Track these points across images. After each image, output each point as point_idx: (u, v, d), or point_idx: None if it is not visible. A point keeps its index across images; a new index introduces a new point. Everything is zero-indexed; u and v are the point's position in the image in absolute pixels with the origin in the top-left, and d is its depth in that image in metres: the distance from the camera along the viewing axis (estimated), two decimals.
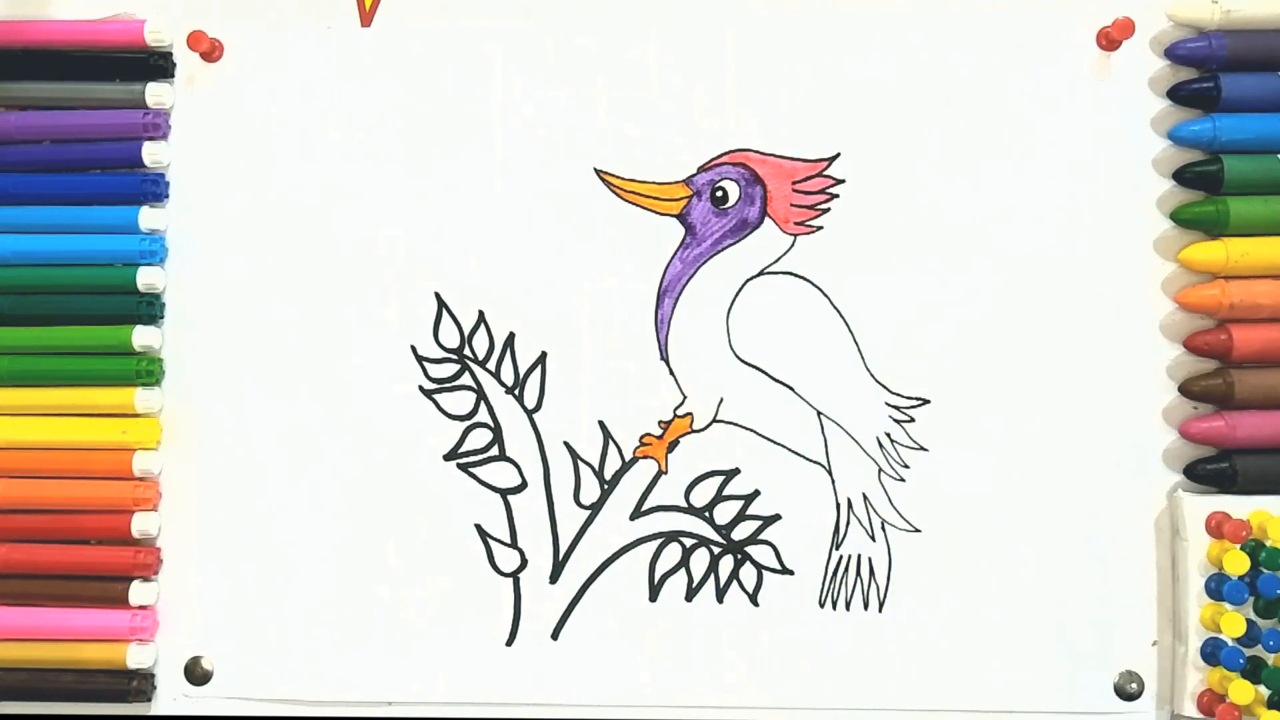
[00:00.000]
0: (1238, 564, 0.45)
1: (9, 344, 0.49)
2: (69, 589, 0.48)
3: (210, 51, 0.50)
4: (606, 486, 0.48)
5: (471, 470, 0.48)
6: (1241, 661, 0.45)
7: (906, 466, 0.48)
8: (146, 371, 0.48)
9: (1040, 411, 0.48)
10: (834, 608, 0.48)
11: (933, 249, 0.48)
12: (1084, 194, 0.48)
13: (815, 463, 0.48)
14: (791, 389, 0.48)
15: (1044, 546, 0.47)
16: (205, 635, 0.48)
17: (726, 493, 0.48)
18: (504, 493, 0.48)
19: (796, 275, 0.48)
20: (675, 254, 0.49)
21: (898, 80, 0.49)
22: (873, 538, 0.48)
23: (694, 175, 0.49)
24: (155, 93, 0.49)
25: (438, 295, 0.49)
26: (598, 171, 0.49)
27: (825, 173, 0.49)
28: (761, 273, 0.48)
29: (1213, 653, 0.45)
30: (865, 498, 0.48)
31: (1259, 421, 0.47)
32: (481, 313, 0.49)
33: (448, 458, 0.49)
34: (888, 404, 0.48)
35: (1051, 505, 0.47)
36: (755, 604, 0.48)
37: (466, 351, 0.49)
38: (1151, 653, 0.47)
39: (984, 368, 0.48)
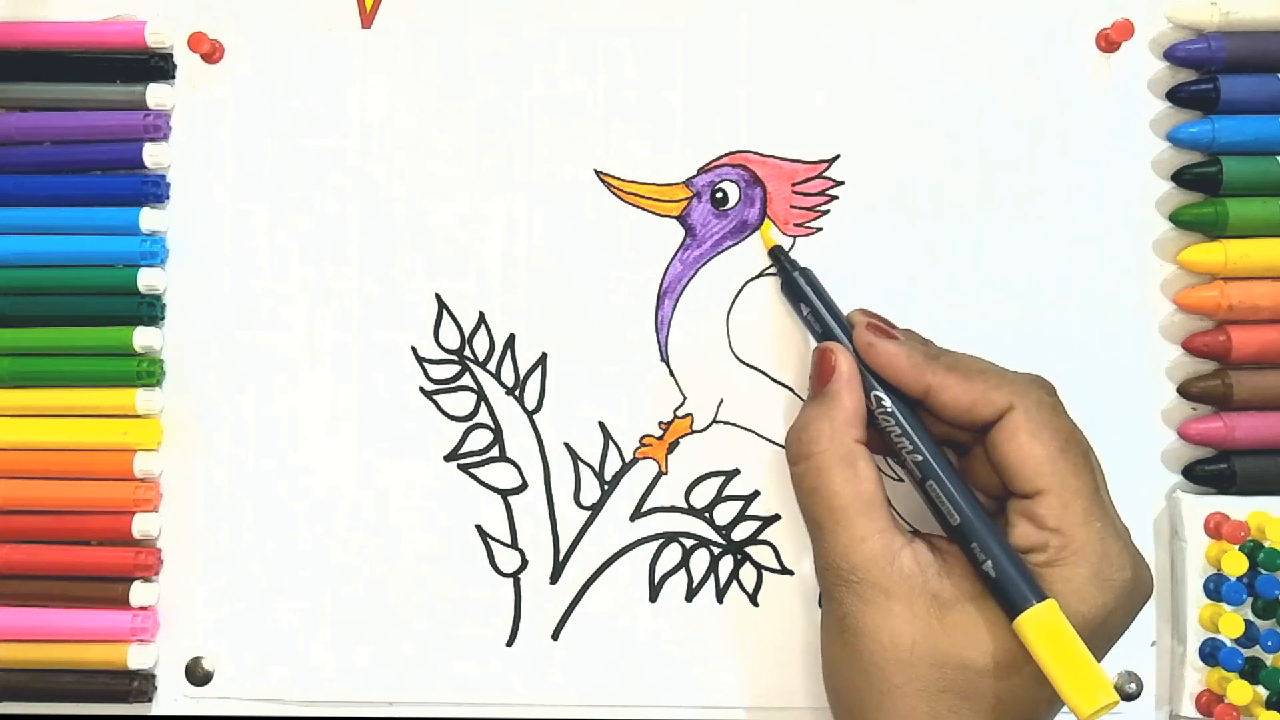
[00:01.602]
0: (1236, 565, 0.45)
1: (10, 345, 0.49)
2: (70, 590, 0.48)
3: (211, 53, 0.50)
4: (607, 487, 0.48)
5: (472, 471, 0.49)
6: (1240, 662, 0.45)
7: None
8: (147, 372, 0.48)
9: None
10: None
11: (931, 250, 0.48)
12: (1083, 195, 0.49)
13: None
14: (791, 390, 0.48)
15: None
16: (206, 636, 0.48)
17: (726, 493, 0.48)
18: (504, 493, 0.48)
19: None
20: (675, 255, 0.49)
21: (897, 82, 0.49)
22: None
23: (694, 176, 0.49)
24: (156, 94, 0.49)
25: (438, 296, 0.49)
26: (598, 172, 0.49)
27: (825, 174, 0.49)
28: (761, 274, 0.48)
29: (1211, 653, 0.45)
30: None
31: (1257, 423, 0.47)
32: (482, 314, 0.49)
33: (448, 458, 0.49)
34: None
35: None
36: (755, 604, 0.48)
37: (467, 352, 0.49)
38: (1150, 653, 0.47)
39: None
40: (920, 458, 0.41)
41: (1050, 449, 0.40)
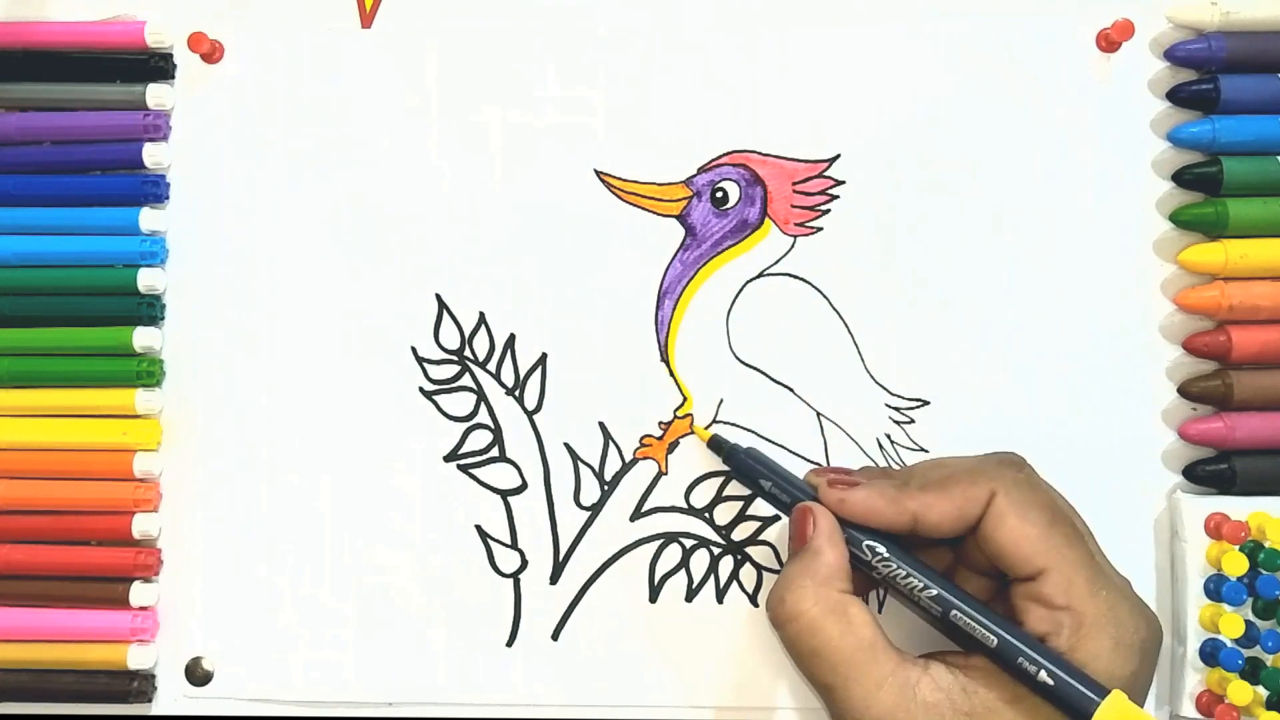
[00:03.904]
0: (1236, 565, 0.45)
1: (9, 345, 0.49)
2: (70, 590, 0.48)
3: (211, 53, 0.50)
4: (606, 488, 0.48)
5: (472, 471, 0.49)
6: (1240, 662, 0.45)
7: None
8: (147, 373, 0.48)
9: (1039, 413, 0.48)
10: None
11: (932, 250, 0.48)
12: (1083, 195, 0.49)
13: (815, 464, 0.48)
14: (791, 390, 0.48)
15: None
16: (205, 636, 0.48)
17: (726, 493, 0.48)
18: (504, 494, 0.48)
19: (795, 277, 0.48)
20: (675, 255, 0.49)
21: (897, 82, 0.49)
22: None
23: (694, 176, 0.49)
24: (156, 94, 0.49)
25: (438, 296, 0.49)
26: (598, 172, 0.49)
27: (825, 174, 0.49)
28: (761, 274, 0.48)
29: (1212, 653, 0.45)
30: None
31: (1258, 423, 0.47)
32: (482, 314, 0.49)
33: (448, 459, 0.49)
34: (887, 405, 0.48)
35: None
36: (755, 604, 0.48)
37: (467, 353, 0.49)
38: None
39: (984, 368, 0.48)
40: (934, 592, 0.41)
41: (1039, 525, 0.40)
